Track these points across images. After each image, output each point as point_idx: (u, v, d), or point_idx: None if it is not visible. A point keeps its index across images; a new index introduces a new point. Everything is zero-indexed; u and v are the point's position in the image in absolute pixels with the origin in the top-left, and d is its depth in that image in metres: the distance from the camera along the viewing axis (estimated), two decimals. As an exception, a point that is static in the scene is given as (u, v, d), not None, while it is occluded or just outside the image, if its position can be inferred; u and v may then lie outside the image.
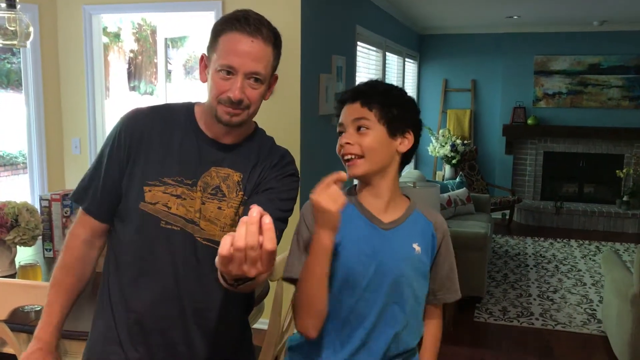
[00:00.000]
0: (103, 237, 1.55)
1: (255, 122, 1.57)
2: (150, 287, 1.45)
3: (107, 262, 1.53)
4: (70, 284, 1.54)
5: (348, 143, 1.44)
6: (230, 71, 1.37)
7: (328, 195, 1.28)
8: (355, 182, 1.55)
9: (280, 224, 1.42)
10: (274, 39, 1.42)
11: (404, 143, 1.50)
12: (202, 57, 1.47)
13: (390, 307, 1.46)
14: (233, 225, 1.48)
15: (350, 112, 1.46)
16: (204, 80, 1.46)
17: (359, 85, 1.53)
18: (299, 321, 1.42)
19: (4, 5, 2.57)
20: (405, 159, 1.53)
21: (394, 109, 1.46)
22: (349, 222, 1.44)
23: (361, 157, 1.44)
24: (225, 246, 0.97)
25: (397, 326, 1.47)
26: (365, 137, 1.44)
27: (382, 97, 1.46)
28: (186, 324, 1.47)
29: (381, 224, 1.48)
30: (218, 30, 1.40)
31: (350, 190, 1.55)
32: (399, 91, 1.53)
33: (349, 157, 1.45)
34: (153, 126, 1.48)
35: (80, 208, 1.54)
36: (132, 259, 1.47)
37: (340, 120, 1.49)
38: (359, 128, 1.45)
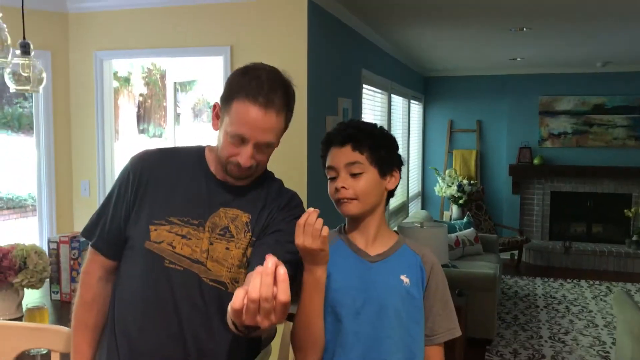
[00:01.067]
0: (115, 273, 1.56)
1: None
2: (154, 328, 1.45)
3: (112, 300, 1.53)
4: (94, 321, 1.56)
5: (344, 187, 1.49)
6: (241, 139, 1.40)
7: (309, 236, 1.31)
8: (345, 220, 1.61)
9: (289, 267, 1.41)
10: (287, 103, 1.45)
11: (392, 181, 1.56)
12: (215, 106, 1.49)
13: (380, 340, 1.47)
14: (240, 266, 1.48)
15: (342, 156, 1.50)
16: (216, 128, 1.49)
17: (343, 127, 1.55)
18: (299, 357, 1.46)
19: (18, 52, 2.64)
20: (390, 194, 1.59)
21: (382, 150, 1.52)
22: (337, 256, 1.49)
23: (355, 199, 1.49)
24: (238, 299, 0.98)
25: (388, 354, 1.47)
26: (359, 181, 1.49)
27: (371, 140, 1.51)
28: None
29: (368, 257, 1.52)
30: (232, 92, 1.41)
31: (340, 229, 1.61)
32: (381, 131, 1.57)
33: (344, 200, 1.49)
34: (162, 167, 1.51)
35: (90, 244, 1.56)
36: (137, 299, 1.46)
37: (329, 164, 1.52)
38: (351, 172, 1.49)
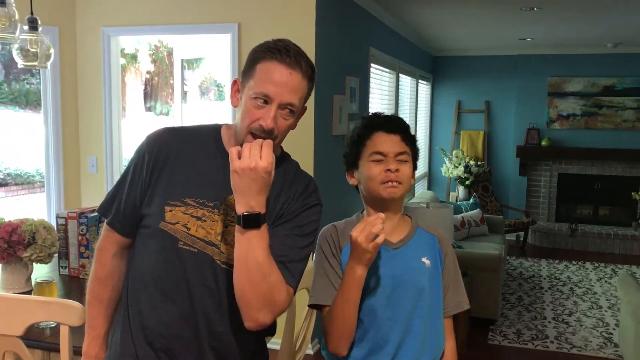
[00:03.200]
0: (130, 248, 1.56)
1: (281, 147, 1.55)
2: (166, 308, 1.45)
3: (126, 279, 1.54)
4: (109, 296, 1.57)
5: (397, 170, 1.55)
6: (265, 100, 1.37)
7: (364, 234, 1.41)
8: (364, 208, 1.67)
9: (298, 265, 1.43)
10: (311, 73, 1.44)
11: (414, 175, 1.64)
12: (234, 82, 1.47)
13: (413, 322, 1.55)
14: None
15: (393, 144, 1.57)
16: (235, 104, 1.46)
17: (389, 117, 1.64)
18: (332, 343, 1.55)
19: (26, 27, 2.64)
20: None
21: (416, 147, 1.64)
22: None
23: (400, 183, 1.56)
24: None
25: (420, 338, 1.56)
26: (405, 168, 1.57)
27: (412, 136, 1.63)
28: (201, 347, 1.47)
29: (390, 244, 1.59)
30: (256, 58, 1.40)
31: (359, 216, 1.66)
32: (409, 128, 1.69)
33: (393, 183, 1.55)
34: (179, 146, 1.49)
35: (105, 222, 1.57)
36: (150, 279, 1.47)
37: (377, 149, 1.57)
38: (399, 160, 1.56)
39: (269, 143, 1.31)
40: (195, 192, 1.45)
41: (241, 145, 1.37)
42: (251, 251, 1.31)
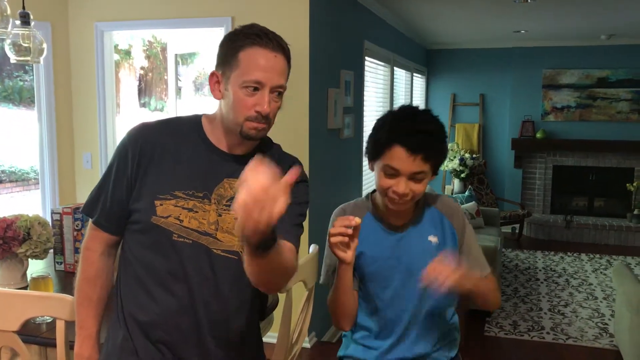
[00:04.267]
0: (117, 246, 1.57)
1: None
2: (164, 300, 1.45)
3: (119, 275, 1.53)
4: (98, 296, 1.56)
5: (404, 194, 1.52)
6: (256, 87, 1.39)
7: (330, 243, 1.47)
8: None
9: (298, 229, 1.50)
10: (289, 53, 1.46)
11: (433, 176, 1.61)
12: (212, 74, 1.46)
13: (422, 304, 1.61)
14: None
15: (410, 164, 1.50)
16: (218, 97, 1.46)
17: (415, 129, 1.50)
18: (335, 320, 1.67)
19: (18, 22, 2.62)
20: None
21: (443, 156, 1.57)
22: (368, 230, 1.60)
23: (408, 200, 1.55)
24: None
25: (432, 316, 1.62)
26: (418, 185, 1.53)
27: (439, 147, 1.54)
28: (201, 336, 1.48)
29: (397, 229, 1.62)
30: (237, 46, 1.40)
31: (369, 197, 1.69)
32: (443, 128, 1.58)
33: (399, 201, 1.54)
34: (161, 140, 1.48)
35: (90, 220, 1.55)
36: (145, 273, 1.46)
37: (392, 164, 1.51)
38: (414, 178, 1.52)
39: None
40: (183, 184, 1.45)
41: (240, 135, 1.42)
42: (275, 266, 1.28)
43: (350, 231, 1.44)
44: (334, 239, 1.46)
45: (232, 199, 1.46)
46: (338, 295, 1.60)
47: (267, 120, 1.42)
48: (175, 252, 1.44)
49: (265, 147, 1.55)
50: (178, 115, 1.63)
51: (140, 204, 1.45)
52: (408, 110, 1.59)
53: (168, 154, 1.47)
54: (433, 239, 1.59)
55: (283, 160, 1.54)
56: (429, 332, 1.65)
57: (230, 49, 1.41)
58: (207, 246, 1.45)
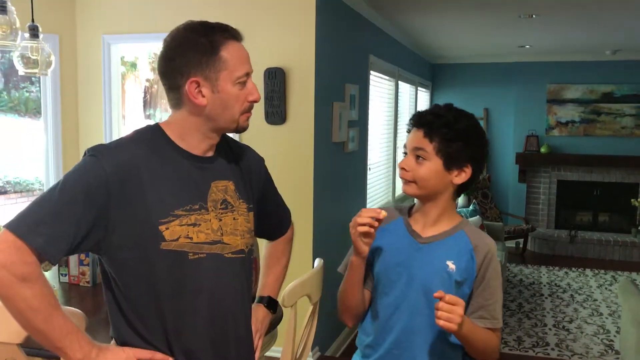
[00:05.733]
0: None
1: None
2: (195, 323, 1.42)
3: (135, 312, 1.40)
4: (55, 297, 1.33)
5: (403, 169, 1.55)
6: (246, 80, 1.44)
7: (354, 227, 1.49)
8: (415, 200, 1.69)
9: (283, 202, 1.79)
10: None
11: (461, 176, 1.54)
12: (192, 82, 1.37)
13: (419, 319, 1.54)
14: (248, 232, 1.53)
15: (413, 138, 1.56)
16: (203, 103, 1.39)
17: (428, 111, 1.58)
18: (340, 314, 1.68)
19: (27, 35, 2.64)
20: (461, 189, 1.59)
21: (455, 143, 1.50)
22: (393, 234, 1.60)
23: (413, 181, 1.55)
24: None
25: (425, 338, 1.55)
26: (421, 167, 1.53)
27: (445, 130, 1.51)
28: (226, 344, 1.49)
29: (419, 238, 1.58)
30: (213, 47, 1.37)
31: (405, 209, 1.68)
32: (466, 123, 1.54)
33: (403, 180, 1.57)
34: (138, 161, 1.36)
35: (23, 241, 1.24)
36: (169, 302, 1.39)
37: (405, 142, 1.60)
38: (417, 156, 1.53)
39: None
40: (178, 202, 1.39)
41: (236, 130, 1.46)
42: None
43: (376, 223, 1.47)
44: (361, 228, 1.47)
45: (223, 201, 1.47)
46: (346, 287, 1.62)
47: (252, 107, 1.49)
48: (193, 271, 1.40)
49: (222, 142, 1.54)
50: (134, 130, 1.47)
51: (139, 234, 1.34)
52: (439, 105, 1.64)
53: (151, 174, 1.36)
54: (451, 264, 1.52)
55: (243, 154, 1.62)
56: (419, 352, 1.56)
57: (206, 51, 1.37)
58: (219, 254, 1.45)
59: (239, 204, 1.51)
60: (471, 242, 1.56)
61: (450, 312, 1.37)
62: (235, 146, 1.62)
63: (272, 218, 1.75)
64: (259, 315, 1.72)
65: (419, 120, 1.56)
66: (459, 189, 1.59)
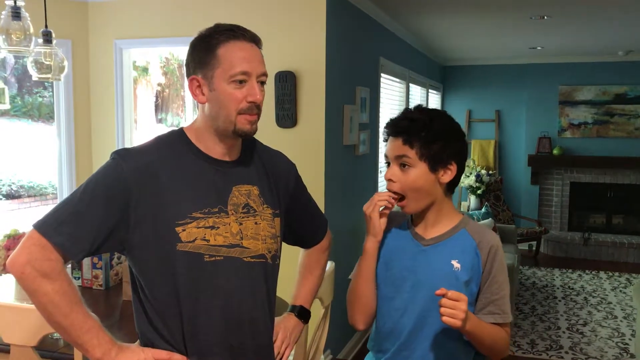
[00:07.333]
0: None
1: None
2: (209, 325, 1.43)
3: (156, 311, 1.43)
4: (77, 292, 1.38)
5: (390, 180, 1.55)
6: (244, 79, 1.39)
7: (372, 204, 1.55)
8: None
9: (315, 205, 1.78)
10: (261, 47, 1.48)
11: (447, 174, 1.55)
12: (192, 80, 1.42)
13: (427, 321, 1.54)
14: (271, 237, 1.51)
15: (393, 147, 1.54)
16: (203, 101, 1.42)
17: (400, 117, 1.57)
18: (349, 315, 1.65)
19: (40, 40, 2.67)
20: (451, 185, 1.60)
21: (435, 144, 1.51)
22: (398, 238, 1.62)
23: (403, 197, 1.55)
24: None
25: (435, 339, 1.55)
26: (408, 174, 1.53)
27: (424, 133, 1.51)
28: (243, 346, 1.48)
29: (422, 240, 1.59)
30: (212, 45, 1.39)
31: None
32: (440, 122, 1.55)
33: (394, 196, 1.56)
34: (157, 167, 1.40)
35: (47, 239, 1.31)
36: (186, 302, 1.41)
37: (385, 152, 1.58)
38: (402, 164, 1.53)
39: None
40: (196, 204, 1.41)
41: (234, 133, 1.42)
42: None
43: (394, 201, 1.54)
44: (380, 202, 1.54)
45: (245, 205, 1.47)
46: (357, 283, 1.61)
47: (259, 110, 1.43)
48: (209, 273, 1.41)
49: (250, 147, 1.55)
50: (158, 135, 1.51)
51: (157, 235, 1.38)
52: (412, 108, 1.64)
53: (171, 177, 1.40)
54: (456, 263, 1.53)
55: (271, 159, 1.60)
56: (429, 353, 1.56)
57: (206, 49, 1.40)
58: (237, 257, 1.44)
59: (263, 209, 1.50)
60: (474, 239, 1.56)
61: (453, 308, 1.38)
62: (264, 151, 1.60)
63: (304, 225, 1.73)
64: (289, 324, 1.70)
65: (395, 128, 1.54)
66: (449, 186, 1.59)
